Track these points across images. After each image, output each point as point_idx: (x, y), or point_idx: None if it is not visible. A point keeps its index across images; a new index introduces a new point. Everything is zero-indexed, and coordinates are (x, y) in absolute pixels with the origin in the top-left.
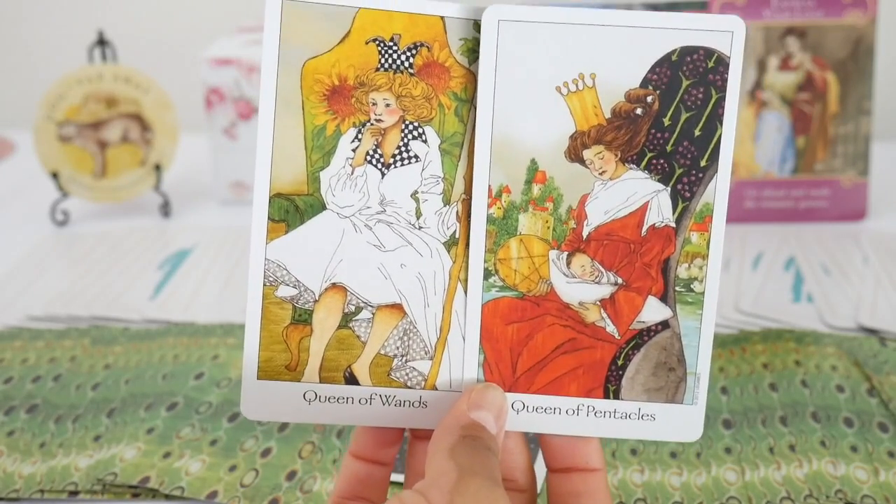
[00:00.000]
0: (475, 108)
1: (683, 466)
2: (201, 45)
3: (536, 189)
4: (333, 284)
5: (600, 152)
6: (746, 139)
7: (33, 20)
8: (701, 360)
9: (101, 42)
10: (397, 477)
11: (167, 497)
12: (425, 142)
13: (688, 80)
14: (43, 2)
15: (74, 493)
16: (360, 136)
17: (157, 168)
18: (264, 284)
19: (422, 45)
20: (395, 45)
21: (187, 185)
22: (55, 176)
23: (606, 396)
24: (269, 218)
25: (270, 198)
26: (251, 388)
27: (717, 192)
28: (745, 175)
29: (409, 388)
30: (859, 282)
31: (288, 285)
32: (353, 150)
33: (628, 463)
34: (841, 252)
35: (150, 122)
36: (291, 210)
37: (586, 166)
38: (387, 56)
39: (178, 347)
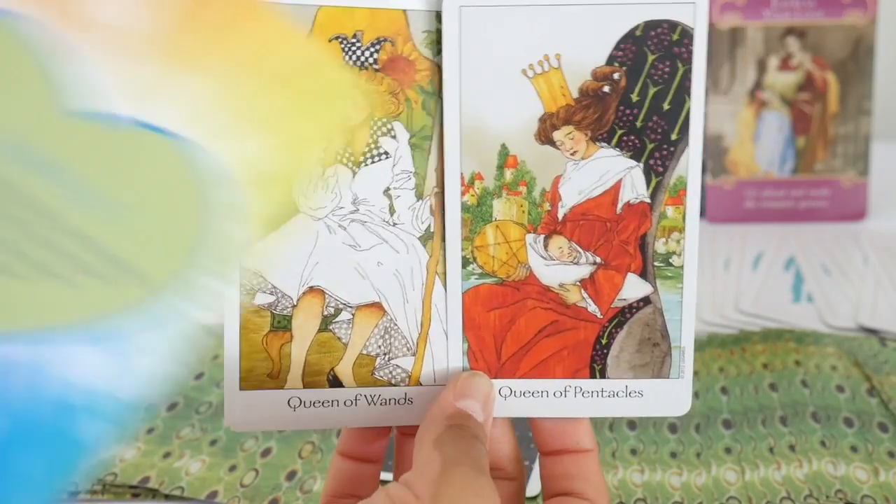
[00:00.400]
0: (442, 98)
1: (683, 466)
2: None
3: (509, 174)
4: (311, 288)
5: (570, 132)
6: (746, 139)
7: None
8: (685, 334)
9: None
10: (388, 476)
11: (167, 497)
12: (394, 137)
13: (653, 54)
14: None
15: (74, 493)
16: None
17: None
18: (240, 294)
19: (385, 39)
20: (358, 41)
21: None
22: None
23: (593, 376)
24: None
25: None
26: (234, 399)
27: (690, 164)
28: (745, 175)
29: (394, 385)
30: (859, 282)
31: (265, 292)
32: (322, 151)
33: (628, 463)
34: (841, 252)
35: None
36: None
37: (557, 147)
38: (350, 53)
39: None
